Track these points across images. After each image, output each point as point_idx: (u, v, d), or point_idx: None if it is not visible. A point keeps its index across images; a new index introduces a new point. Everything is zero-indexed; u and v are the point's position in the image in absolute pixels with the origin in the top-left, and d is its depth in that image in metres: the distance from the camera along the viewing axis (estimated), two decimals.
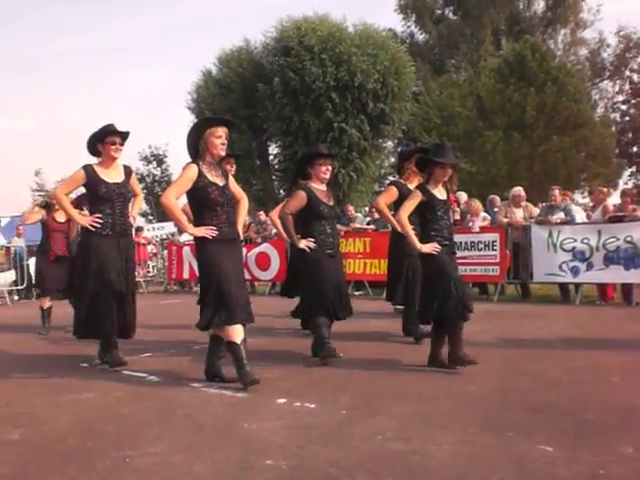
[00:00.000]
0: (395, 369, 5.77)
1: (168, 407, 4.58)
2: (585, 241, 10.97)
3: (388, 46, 24.89)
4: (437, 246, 5.58)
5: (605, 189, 13.01)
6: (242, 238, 5.70)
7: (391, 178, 24.71)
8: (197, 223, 5.28)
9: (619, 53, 41.60)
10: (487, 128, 28.30)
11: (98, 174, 6.13)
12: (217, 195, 5.22)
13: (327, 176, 6.50)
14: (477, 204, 12.89)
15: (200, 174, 5.19)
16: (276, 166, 27.98)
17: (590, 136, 28.57)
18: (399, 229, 6.19)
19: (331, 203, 6.50)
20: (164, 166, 40.56)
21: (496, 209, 13.07)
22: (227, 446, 3.63)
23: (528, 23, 40.78)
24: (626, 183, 35.63)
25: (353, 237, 14.07)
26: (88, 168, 6.15)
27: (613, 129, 35.26)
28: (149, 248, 19.79)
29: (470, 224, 12.41)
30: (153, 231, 23.83)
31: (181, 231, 14.29)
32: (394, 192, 7.20)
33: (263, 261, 14.99)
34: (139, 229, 19.08)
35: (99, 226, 6.05)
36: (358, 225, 14.75)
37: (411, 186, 6.92)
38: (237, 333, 5.13)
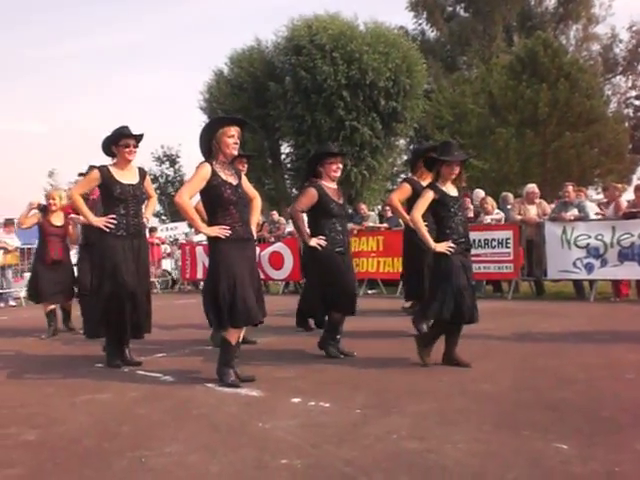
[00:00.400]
0: (409, 367, 5.76)
1: (183, 407, 4.60)
2: (599, 237, 10.92)
3: (399, 44, 24.83)
4: (451, 246, 5.58)
5: (619, 185, 12.93)
6: (255, 237, 5.71)
7: (403, 176, 24.72)
8: (211, 222, 5.29)
9: (631, 48, 41.33)
10: (499, 125, 28.21)
11: (113, 175, 6.17)
12: (230, 194, 5.22)
13: (337, 175, 6.50)
14: (492, 202, 12.88)
15: (213, 173, 5.19)
16: (288, 165, 27.99)
17: (603, 132, 28.45)
18: (412, 226, 6.21)
19: (341, 201, 6.49)
20: (177, 166, 40.53)
21: (509, 206, 13.03)
22: (242, 445, 3.63)
23: (540, 19, 40.66)
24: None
25: (366, 236, 14.03)
26: (103, 169, 6.20)
27: (626, 125, 35.01)
28: (162, 248, 19.82)
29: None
30: (166, 231, 23.87)
31: (196, 231, 14.32)
32: (408, 189, 7.22)
33: (276, 260, 14.99)
34: (153, 229, 19.11)
35: (113, 227, 6.09)
36: (371, 224, 14.72)
37: (424, 183, 6.92)
38: (237, 334, 5.24)
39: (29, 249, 15.63)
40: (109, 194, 6.21)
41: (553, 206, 12.64)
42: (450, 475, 3.09)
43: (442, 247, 5.59)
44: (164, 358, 6.78)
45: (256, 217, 5.69)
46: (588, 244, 11.03)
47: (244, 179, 5.55)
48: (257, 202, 5.69)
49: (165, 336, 8.06)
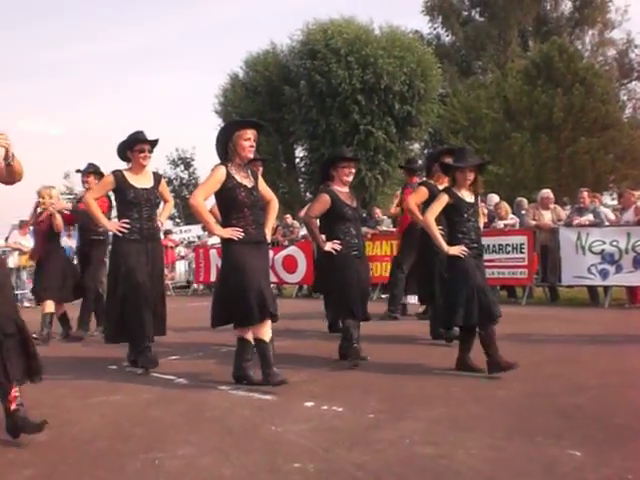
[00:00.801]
0: (422, 373, 5.75)
1: (196, 410, 4.61)
2: (614, 243, 10.86)
3: (414, 48, 24.90)
4: (464, 249, 5.57)
5: (636, 193, 12.86)
6: (270, 241, 5.71)
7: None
8: (224, 224, 5.31)
9: None
10: (514, 130, 28.15)
11: (127, 179, 6.22)
12: (244, 197, 5.23)
13: (349, 179, 6.46)
14: (506, 207, 12.84)
15: (229, 175, 5.21)
16: (302, 169, 28.07)
17: (618, 137, 28.35)
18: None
19: (355, 204, 6.47)
20: (191, 169, 40.70)
21: (524, 211, 12.98)
22: (255, 449, 3.64)
23: (555, 24, 40.53)
24: None
25: (380, 240, 14.01)
26: (118, 173, 6.25)
27: None
28: (177, 250, 19.88)
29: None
30: (180, 234, 23.95)
31: (209, 234, 14.31)
32: (424, 192, 7.19)
33: (290, 264, 14.99)
34: (167, 232, 19.16)
35: (126, 231, 6.12)
36: (385, 228, 14.69)
37: (441, 187, 6.91)
38: (265, 331, 5.16)
39: None
40: (123, 198, 6.26)
41: (568, 211, 12.58)
42: None
43: (455, 250, 5.57)
44: (177, 361, 6.80)
45: (272, 219, 5.69)
46: (603, 250, 10.97)
47: (261, 181, 5.55)
48: (274, 204, 5.69)
49: (178, 339, 8.08)
